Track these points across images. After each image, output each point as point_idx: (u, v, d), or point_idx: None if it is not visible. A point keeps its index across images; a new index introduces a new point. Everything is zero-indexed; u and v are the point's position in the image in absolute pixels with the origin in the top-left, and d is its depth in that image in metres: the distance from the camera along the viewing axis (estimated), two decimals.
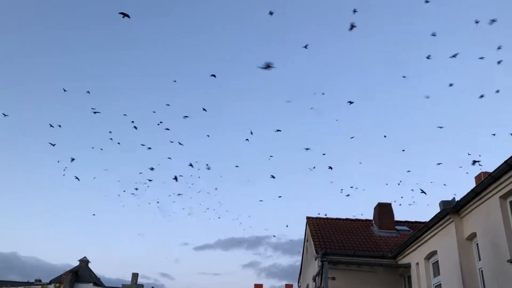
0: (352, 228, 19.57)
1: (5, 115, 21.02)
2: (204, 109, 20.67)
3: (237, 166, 41.92)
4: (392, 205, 20.03)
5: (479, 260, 11.24)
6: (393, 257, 16.47)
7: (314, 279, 16.90)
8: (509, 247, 9.66)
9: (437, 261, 13.32)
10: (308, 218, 20.68)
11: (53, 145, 19.17)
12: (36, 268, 76.68)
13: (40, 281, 56.77)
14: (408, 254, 15.43)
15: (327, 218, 20.73)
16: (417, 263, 14.71)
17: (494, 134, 19.78)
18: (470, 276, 11.33)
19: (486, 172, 13.91)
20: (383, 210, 19.79)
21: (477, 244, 11.35)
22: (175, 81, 21.67)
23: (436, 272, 13.56)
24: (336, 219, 20.76)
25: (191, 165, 22.16)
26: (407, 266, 15.33)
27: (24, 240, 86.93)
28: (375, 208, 20.29)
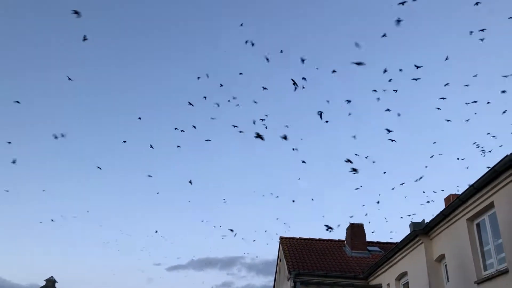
0: (324, 249, 19.65)
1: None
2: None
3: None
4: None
5: (448, 281, 11.46)
6: (365, 278, 16.59)
7: None
8: (476, 269, 9.91)
9: (408, 282, 13.50)
10: (281, 238, 20.66)
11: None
12: None
13: None
14: (379, 275, 15.59)
15: (300, 238, 20.77)
16: (388, 284, 14.86)
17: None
18: None
19: (455, 194, 14.25)
20: (355, 230, 19.98)
21: (445, 265, 11.58)
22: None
23: None
24: (309, 239, 20.83)
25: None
26: (378, 287, 15.46)
27: None
28: (347, 229, 20.46)
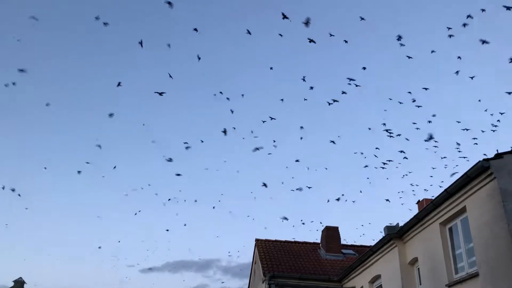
0: (299, 251, 19.71)
1: None
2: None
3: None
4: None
5: (420, 284, 11.64)
6: (339, 281, 16.71)
7: None
8: (447, 272, 10.10)
9: (381, 285, 13.65)
10: (257, 240, 20.63)
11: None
12: None
13: None
14: (353, 277, 15.72)
15: (276, 241, 20.77)
16: (362, 287, 15.00)
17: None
18: None
19: (428, 198, 14.50)
20: (331, 233, 20.11)
21: (418, 268, 11.76)
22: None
23: None
24: (285, 241, 20.85)
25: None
26: None
27: None
28: (322, 232, 20.58)
